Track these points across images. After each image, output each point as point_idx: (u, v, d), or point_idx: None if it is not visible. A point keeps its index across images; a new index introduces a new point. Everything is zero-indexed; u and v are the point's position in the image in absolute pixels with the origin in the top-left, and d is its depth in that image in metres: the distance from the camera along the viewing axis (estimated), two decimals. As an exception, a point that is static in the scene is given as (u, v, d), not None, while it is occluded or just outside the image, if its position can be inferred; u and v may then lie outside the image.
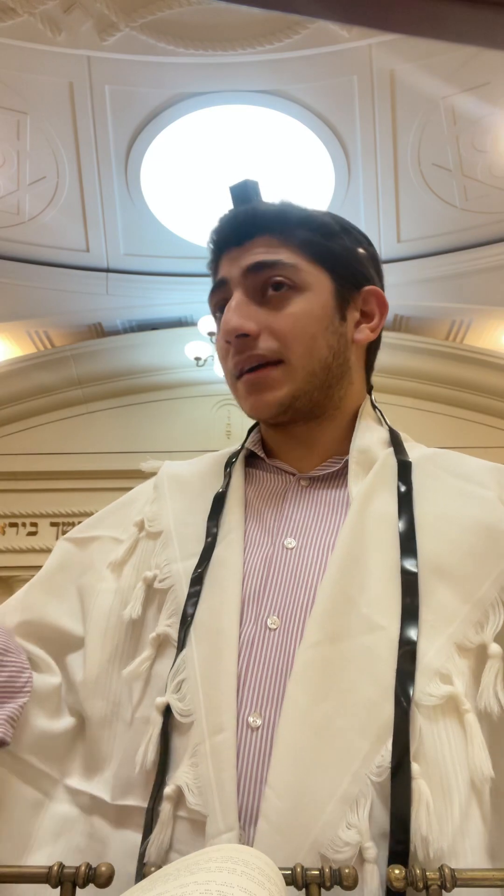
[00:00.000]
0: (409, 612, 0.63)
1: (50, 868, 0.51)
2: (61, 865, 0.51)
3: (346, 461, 0.78)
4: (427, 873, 0.49)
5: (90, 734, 0.69)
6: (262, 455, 0.82)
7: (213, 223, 0.81)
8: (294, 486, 0.78)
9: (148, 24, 3.13)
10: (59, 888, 0.51)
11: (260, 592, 0.68)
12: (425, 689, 0.59)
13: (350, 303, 0.81)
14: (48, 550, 5.70)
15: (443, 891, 0.48)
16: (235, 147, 3.77)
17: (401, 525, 0.69)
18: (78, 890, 0.51)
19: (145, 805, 0.61)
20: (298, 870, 0.49)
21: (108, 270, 4.37)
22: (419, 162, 3.75)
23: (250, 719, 0.61)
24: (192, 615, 0.67)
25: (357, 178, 3.85)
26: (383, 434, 0.82)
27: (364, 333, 0.82)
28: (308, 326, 0.76)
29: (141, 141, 3.69)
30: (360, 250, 0.84)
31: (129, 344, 5.07)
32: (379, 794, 0.56)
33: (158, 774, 0.61)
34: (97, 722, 0.69)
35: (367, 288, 0.82)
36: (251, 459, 0.84)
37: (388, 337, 5.45)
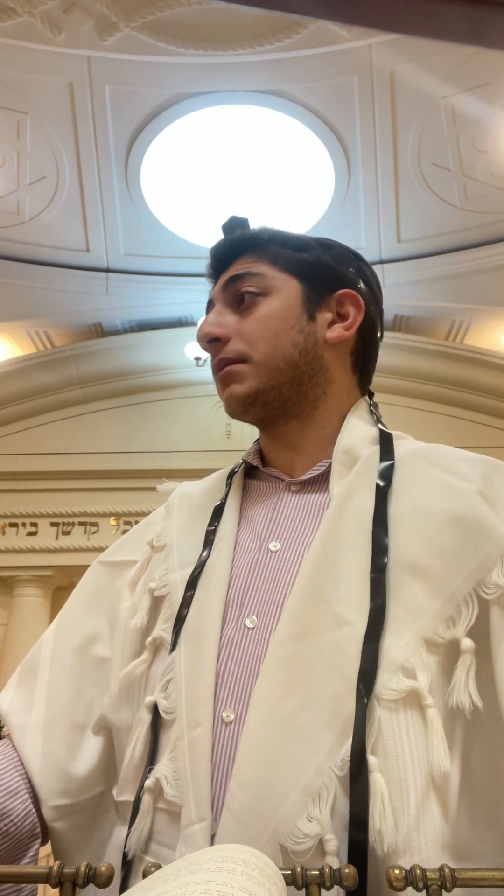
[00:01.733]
0: (377, 608, 0.64)
1: (50, 868, 0.51)
2: (61, 865, 0.51)
3: (331, 463, 0.79)
4: (427, 873, 0.49)
5: (118, 743, 0.73)
6: (258, 464, 0.86)
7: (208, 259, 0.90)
8: (284, 491, 0.81)
9: (148, 24, 3.13)
10: (59, 888, 0.51)
11: (243, 595, 0.72)
12: (387, 683, 0.60)
13: (321, 304, 0.85)
14: (48, 550, 5.69)
15: (443, 891, 0.48)
16: (235, 147, 3.77)
17: (373, 520, 0.70)
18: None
19: (131, 799, 0.65)
20: (298, 870, 0.49)
21: (108, 270, 4.37)
22: (419, 162, 3.75)
23: (224, 714, 0.64)
24: (185, 617, 0.71)
25: (357, 178, 3.85)
26: (370, 432, 0.82)
27: (336, 332, 0.84)
28: (271, 326, 0.81)
29: (141, 141, 3.69)
30: (335, 260, 0.90)
31: (129, 344, 5.07)
32: (342, 787, 0.57)
33: (144, 769, 0.64)
34: (123, 730, 0.72)
35: (342, 291, 0.86)
36: (251, 471, 0.89)
37: (388, 337, 5.45)
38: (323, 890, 0.49)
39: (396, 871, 0.49)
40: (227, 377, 0.81)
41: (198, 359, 4.57)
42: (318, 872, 0.49)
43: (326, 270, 0.87)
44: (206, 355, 4.71)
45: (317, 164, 3.83)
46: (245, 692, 0.65)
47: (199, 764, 0.61)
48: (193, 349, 4.55)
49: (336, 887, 0.49)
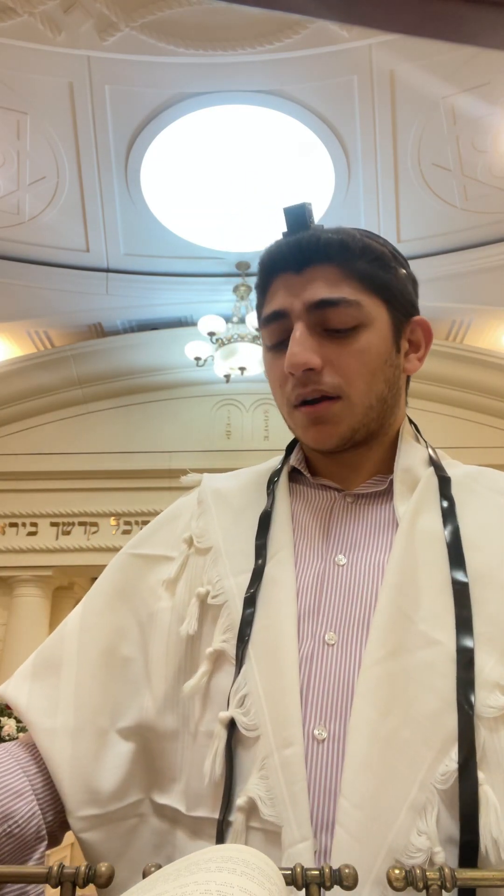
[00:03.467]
0: (464, 624, 0.66)
1: (50, 868, 0.51)
2: (61, 865, 0.51)
3: (391, 480, 0.80)
4: (427, 873, 0.49)
5: (160, 747, 0.72)
6: (307, 473, 0.84)
7: (271, 245, 0.82)
8: (340, 502, 0.80)
9: (148, 24, 3.13)
10: (59, 888, 0.51)
11: (315, 609, 0.71)
12: (486, 700, 0.62)
13: (403, 334, 0.83)
14: (48, 550, 5.70)
15: (443, 891, 0.48)
16: (235, 147, 3.77)
17: (448, 540, 0.72)
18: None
19: (216, 816, 0.63)
20: (298, 870, 0.49)
21: (108, 270, 4.37)
22: (419, 162, 3.75)
23: (316, 732, 0.64)
24: (249, 633, 0.69)
25: (357, 178, 3.85)
26: (424, 453, 0.85)
27: (413, 363, 0.84)
28: (370, 363, 0.78)
29: (141, 141, 3.69)
30: (408, 276, 0.85)
31: (129, 344, 5.07)
32: (444, 801, 0.59)
33: (226, 787, 0.63)
34: (169, 735, 0.71)
35: (416, 318, 0.84)
36: (293, 475, 0.86)
37: (388, 337, 5.38)
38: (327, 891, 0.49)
39: (396, 871, 0.49)
40: (322, 416, 0.76)
41: (198, 359, 4.57)
42: (318, 872, 0.49)
43: (405, 294, 0.83)
44: (206, 355, 4.72)
45: (317, 164, 3.83)
46: (336, 709, 0.65)
47: (296, 783, 0.60)
48: (193, 349, 4.55)
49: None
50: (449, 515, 0.75)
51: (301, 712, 0.64)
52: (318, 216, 4.64)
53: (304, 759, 0.62)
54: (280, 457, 0.91)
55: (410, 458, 0.82)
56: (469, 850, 0.57)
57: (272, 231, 4.48)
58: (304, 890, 0.49)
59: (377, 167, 3.77)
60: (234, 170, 3.88)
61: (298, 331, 0.76)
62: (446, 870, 0.49)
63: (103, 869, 0.50)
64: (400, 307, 0.82)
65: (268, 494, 0.83)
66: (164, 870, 0.44)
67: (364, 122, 3.57)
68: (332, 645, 0.68)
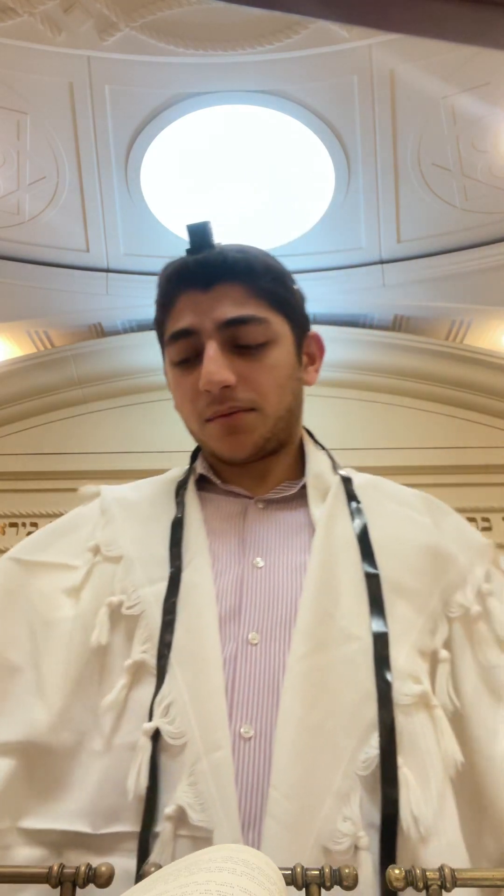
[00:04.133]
0: (379, 624, 0.70)
1: (50, 868, 0.51)
2: (61, 865, 0.51)
3: (302, 485, 0.84)
4: (427, 873, 0.49)
5: (47, 765, 0.67)
6: (217, 480, 0.86)
7: (176, 262, 0.84)
8: (252, 507, 0.83)
9: (148, 24, 3.12)
10: (59, 888, 0.51)
11: (236, 611, 0.72)
12: (401, 689, 0.67)
13: (302, 348, 0.88)
14: (48, 550, 5.67)
15: (443, 891, 0.48)
16: (235, 147, 3.77)
17: (360, 543, 0.77)
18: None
19: (137, 830, 0.62)
20: (298, 870, 0.49)
21: (108, 270, 4.37)
22: (419, 162, 3.75)
23: (242, 730, 0.65)
24: (170, 641, 0.69)
25: (357, 178, 3.85)
26: (328, 459, 0.89)
27: (311, 375, 0.89)
28: (279, 377, 0.82)
29: (141, 141, 3.69)
30: (300, 293, 0.90)
31: (129, 344, 5.07)
32: (365, 787, 0.62)
33: (150, 798, 0.62)
34: (62, 753, 0.67)
35: (311, 332, 0.90)
36: (201, 483, 0.87)
37: (387, 337, 5.40)
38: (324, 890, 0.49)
39: (396, 871, 0.49)
40: (236, 426, 0.79)
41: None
42: (318, 872, 0.49)
43: (301, 310, 0.88)
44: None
45: (317, 164, 3.83)
46: (262, 707, 0.66)
47: (227, 786, 0.61)
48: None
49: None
50: (359, 522, 0.79)
51: (227, 713, 0.65)
52: (318, 216, 4.57)
53: (233, 759, 0.63)
54: (184, 467, 0.93)
55: (319, 465, 0.87)
56: (390, 830, 0.60)
57: (272, 231, 4.43)
58: (304, 890, 0.49)
59: (377, 167, 3.77)
60: (234, 170, 3.88)
61: (212, 349, 0.78)
62: (446, 870, 0.49)
63: (103, 869, 0.51)
64: (299, 323, 0.86)
65: (177, 502, 0.82)
66: (163, 870, 0.44)
67: (364, 122, 3.57)
68: (256, 644, 0.70)
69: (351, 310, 4.66)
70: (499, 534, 4.85)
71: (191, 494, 0.84)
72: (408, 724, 0.66)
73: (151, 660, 0.68)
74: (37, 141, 3.67)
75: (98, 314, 4.72)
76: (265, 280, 0.82)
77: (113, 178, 3.87)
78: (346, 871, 0.49)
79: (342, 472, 0.88)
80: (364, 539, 0.77)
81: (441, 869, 0.49)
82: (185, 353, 0.81)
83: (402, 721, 0.65)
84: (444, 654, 0.74)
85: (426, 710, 0.68)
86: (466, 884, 0.49)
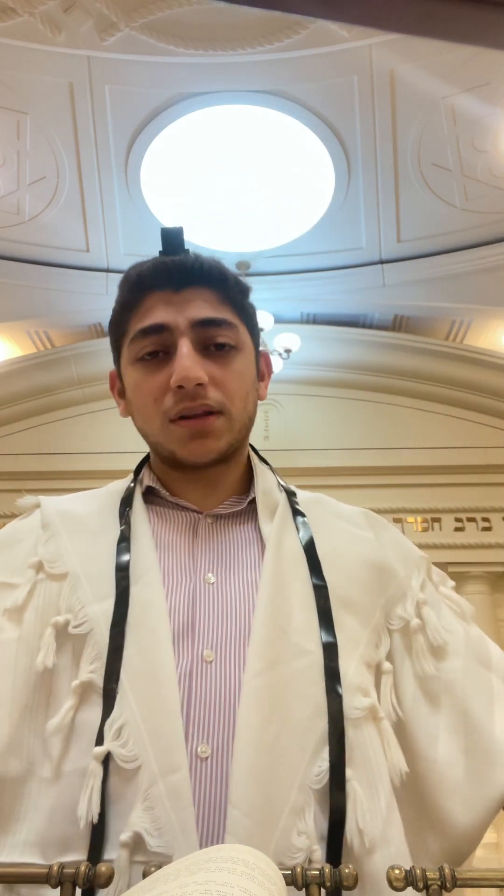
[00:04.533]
0: (328, 639, 0.71)
1: (50, 868, 0.51)
2: (61, 865, 0.51)
3: (250, 500, 0.84)
4: (427, 873, 0.49)
5: None
6: (166, 493, 0.84)
7: (146, 263, 0.84)
8: (202, 522, 0.82)
9: (148, 24, 3.12)
10: (59, 888, 0.51)
11: (189, 628, 0.71)
12: (351, 702, 0.68)
13: (258, 362, 0.88)
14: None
15: (443, 891, 0.48)
16: (235, 147, 3.77)
17: (308, 560, 0.78)
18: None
19: (84, 859, 0.58)
20: (298, 870, 0.49)
21: (108, 270, 4.37)
22: (419, 162, 3.75)
23: (199, 750, 0.64)
24: (120, 660, 0.66)
25: (357, 178, 3.85)
26: (272, 476, 0.89)
27: (263, 391, 0.89)
28: (245, 384, 0.82)
29: (141, 141, 3.69)
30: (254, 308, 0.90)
31: (129, 344, 5.06)
32: (318, 800, 0.63)
33: (99, 825, 0.59)
34: (10, 783, 0.64)
35: (262, 350, 0.91)
36: (147, 496, 0.85)
37: (388, 337, 5.37)
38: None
39: (396, 871, 0.49)
40: (204, 429, 0.78)
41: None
42: (318, 872, 0.49)
43: (257, 325, 0.88)
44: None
45: (317, 164, 3.83)
46: (218, 724, 0.65)
47: (185, 808, 0.60)
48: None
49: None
50: (307, 540, 0.80)
51: (184, 733, 0.63)
52: (318, 216, 4.55)
53: (190, 780, 0.61)
54: (127, 478, 0.90)
55: (267, 481, 0.87)
56: (335, 843, 0.61)
57: (272, 231, 4.43)
58: (304, 890, 0.49)
59: (377, 167, 3.77)
60: (234, 170, 3.88)
61: (185, 346, 0.77)
62: (446, 870, 0.49)
63: (103, 869, 0.50)
64: (256, 338, 0.87)
65: (122, 516, 0.80)
66: (164, 870, 0.44)
67: (364, 122, 3.57)
68: (210, 662, 0.69)
69: (351, 310, 4.66)
70: (499, 534, 4.86)
71: (138, 507, 0.81)
72: (357, 737, 0.67)
73: (99, 680, 0.66)
74: (37, 141, 3.67)
75: (98, 314, 4.72)
76: (234, 290, 0.83)
77: (113, 178, 3.87)
78: (346, 871, 0.49)
79: (286, 487, 0.89)
80: (311, 554, 0.78)
81: (441, 869, 0.49)
82: (153, 347, 0.79)
83: (351, 734, 0.66)
84: (387, 665, 0.75)
85: (374, 723, 0.70)
86: (466, 884, 0.49)
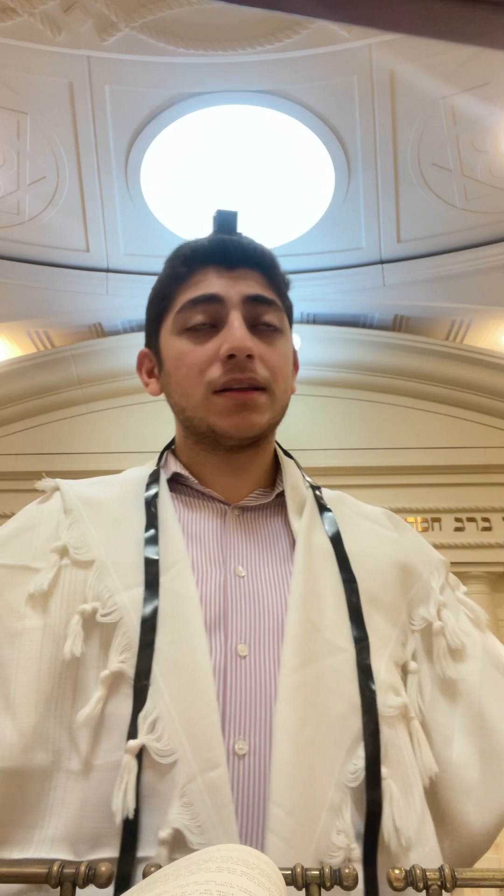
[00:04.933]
0: (361, 636, 0.71)
1: (50, 868, 0.51)
2: (62, 865, 0.51)
3: (277, 494, 0.84)
4: (427, 873, 0.49)
5: (19, 791, 0.62)
6: (195, 481, 0.83)
7: (201, 239, 0.84)
8: (230, 514, 0.81)
9: (148, 24, 3.12)
10: (59, 888, 0.51)
11: (221, 620, 0.70)
12: (384, 701, 0.68)
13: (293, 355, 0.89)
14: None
15: (443, 891, 0.48)
16: (235, 147, 3.76)
17: (337, 557, 0.78)
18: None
19: (117, 856, 0.57)
20: (298, 870, 0.49)
21: (108, 270, 4.37)
22: (419, 162, 3.75)
23: (237, 747, 0.63)
24: (152, 650, 0.65)
25: (357, 178, 3.85)
26: (298, 470, 0.89)
27: (294, 384, 0.90)
28: (286, 367, 0.83)
29: (141, 141, 3.69)
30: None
31: (129, 344, 5.07)
32: (353, 798, 0.62)
33: (133, 821, 0.58)
34: (36, 775, 0.62)
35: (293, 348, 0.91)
36: (171, 484, 0.84)
37: (388, 337, 5.37)
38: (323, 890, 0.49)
39: (396, 872, 0.49)
40: (249, 403, 0.77)
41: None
42: (318, 872, 0.49)
43: (292, 318, 0.89)
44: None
45: (317, 164, 3.83)
46: (255, 721, 0.64)
47: (226, 806, 0.59)
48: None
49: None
50: (336, 537, 0.80)
51: (220, 728, 0.62)
52: (318, 216, 4.56)
53: (228, 777, 0.60)
54: (147, 465, 0.88)
55: (294, 476, 0.86)
56: (371, 841, 0.60)
57: (272, 231, 4.42)
58: (304, 890, 0.49)
59: (377, 167, 3.77)
60: (234, 169, 3.88)
61: (237, 320, 0.78)
62: (447, 870, 0.49)
63: (103, 869, 0.50)
64: (291, 330, 0.88)
65: (148, 503, 0.78)
66: (164, 869, 0.44)
67: (364, 122, 3.56)
68: (245, 657, 0.68)
69: (351, 310, 4.66)
70: (499, 534, 4.86)
71: (164, 495, 0.79)
72: (391, 736, 0.66)
73: (130, 670, 0.64)
74: (37, 141, 3.67)
75: (98, 314, 4.72)
76: (280, 279, 0.85)
77: (113, 178, 3.87)
78: (346, 871, 0.49)
79: (311, 483, 0.89)
80: (340, 550, 0.78)
81: (441, 869, 0.49)
82: (203, 318, 0.79)
83: (385, 732, 0.66)
84: (413, 665, 0.75)
85: (405, 722, 0.70)
86: (466, 884, 0.49)
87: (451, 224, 4.05)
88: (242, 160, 3.82)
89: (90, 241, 4.22)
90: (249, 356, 0.76)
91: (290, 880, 0.48)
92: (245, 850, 0.45)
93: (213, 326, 0.79)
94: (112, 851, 0.58)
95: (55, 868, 0.51)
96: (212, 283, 0.80)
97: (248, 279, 0.81)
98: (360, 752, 0.64)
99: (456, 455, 4.94)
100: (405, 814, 0.62)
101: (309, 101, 3.48)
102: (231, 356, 0.76)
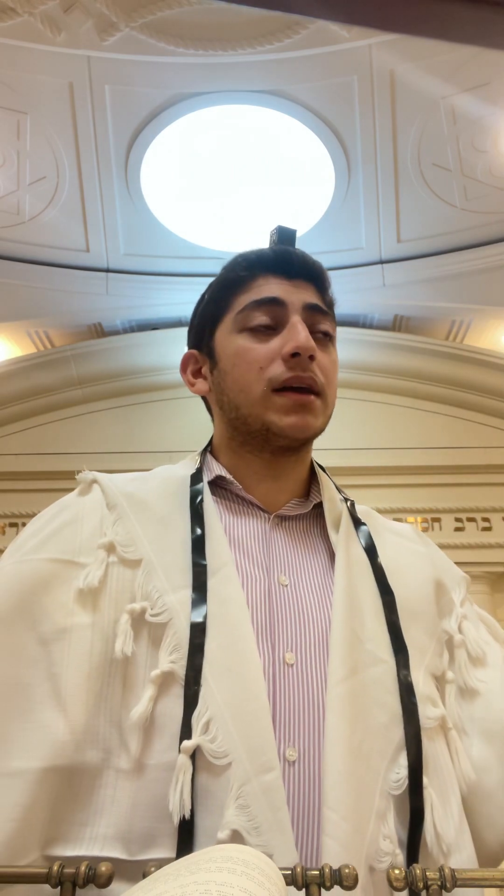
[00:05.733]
0: (400, 648, 0.73)
1: (50, 868, 0.51)
2: (62, 865, 0.51)
3: (314, 505, 0.86)
4: (427, 873, 0.49)
5: (73, 788, 0.62)
6: (239, 487, 0.84)
7: (262, 248, 0.87)
8: (271, 523, 0.83)
9: (148, 24, 3.12)
10: (59, 888, 0.51)
11: (268, 628, 0.71)
12: (424, 712, 0.69)
13: None
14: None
15: (443, 891, 0.48)
16: (235, 147, 3.76)
17: (374, 570, 0.79)
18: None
19: (173, 855, 0.57)
20: (298, 870, 0.49)
21: (108, 270, 4.37)
22: (419, 162, 3.75)
23: (287, 753, 0.65)
24: (202, 652, 0.65)
25: (357, 178, 3.85)
26: (333, 485, 0.92)
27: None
28: (336, 373, 0.86)
29: (141, 141, 3.69)
30: None
31: (129, 344, 5.07)
32: (395, 806, 0.64)
33: (188, 821, 0.58)
34: (88, 773, 0.62)
35: None
36: (212, 486, 0.85)
37: (387, 337, 5.37)
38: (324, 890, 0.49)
39: (396, 871, 0.49)
40: (308, 406, 0.79)
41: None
42: (318, 872, 0.49)
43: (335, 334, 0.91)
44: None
45: (317, 164, 3.83)
46: (304, 729, 0.66)
47: (280, 809, 0.60)
48: (193, 349, 4.55)
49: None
50: (371, 552, 0.81)
51: (274, 735, 0.63)
52: (318, 216, 4.57)
53: (284, 784, 0.61)
54: (183, 464, 0.89)
55: (331, 490, 0.89)
56: (413, 847, 0.62)
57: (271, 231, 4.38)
58: (304, 890, 0.49)
59: (377, 167, 3.77)
60: (234, 169, 3.88)
61: (299, 322, 0.81)
62: (446, 870, 0.49)
63: (103, 869, 0.50)
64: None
65: (193, 505, 0.78)
66: (164, 869, 0.44)
67: (364, 121, 3.56)
68: (292, 665, 0.69)
69: (351, 310, 4.66)
70: (499, 534, 4.86)
71: (208, 498, 0.80)
72: (431, 746, 0.68)
73: (181, 671, 0.64)
74: (37, 141, 3.67)
75: (98, 314, 4.71)
76: (331, 297, 0.89)
77: (113, 178, 3.87)
78: (346, 871, 0.49)
79: (346, 497, 0.91)
80: (376, 564, 0.80)
81: (441, 869, 0.49)
82: (269, 319, 0.81)
83: (426, 743, 0.68)
84: (450, 675, 0.77)
85: (443, 732, 0.72)
86: (466, 884, 0.49)
87: (451, 224, 4.05)
88: (242, 160, 3.82)
89: (90, 241, 4.22)
90: (311, 357, 0.79)
91: (290, 880, 0.48)
92: (245, 850, 0.45)
93: (274, 329, 0.81)
94: (166, 851, 0.58)
95: (55, 868, 0.51)
96: (272, 287, 0.83)
97: (306, 289, 0.84)
98: (403, 761, 0.65)
99: (456, 455, 4.94)
100: (444, 821, 0.65)
101: (309, 101, 3.48)
102: (295, 354, 0.78)
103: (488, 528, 4.84)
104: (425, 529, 4.81)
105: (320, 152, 3.75)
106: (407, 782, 0.64)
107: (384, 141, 3.64)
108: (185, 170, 3.88)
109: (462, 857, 0.65)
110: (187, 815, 0.58)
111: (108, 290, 4.42)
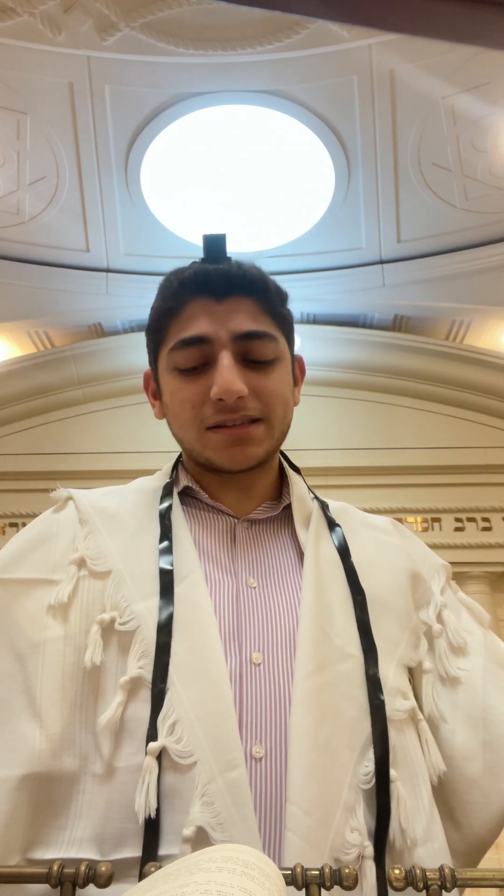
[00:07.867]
0: (367, 640, 0.74)
1: (50, 868, 0.51)
2: (61, 865, 0.51)
3: (284, 507, 0.86)
4: (427, 873, 0.49)
5: (50, 794, 0.64)
6: (205, 496, 0.85)
7: (188, 269, 0.83)
8: (239, 527, 0.83)
9: (148, 24, 3.12)
10: (59, 888, 0.51)
11: (235, 629, 0.73)
12: (393, 705, 0.70)
13: (294, 368, 0.90)
14: (48, 550, 5.73)
15: (443, 891, 0.48)
16: (235, 146, 3.76)
17: (345, 566, 0.80)
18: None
19: (139, 854, 0.60)
20: (298, 870, 0.49)
21: (108, 270, 4.37)
22: (419, 162, 3.75)
23: (254, 750, 0.65)
24: (169, 656, 0.67)
25: (357, 178, 3.85)
26: (302, 483, 0.91)
27: (297, 396, 0.91)
28: (284, 393, 0.83)
29: (141, 141, 3.69)
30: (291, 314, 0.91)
31: (129, 344, 5.07)
32: (365, 799, 0.65)
33: (154, 820, 0.60)
34: (65, 779, 0.65)
35: (297, 356, 0.92)
36: (182, 497, 0.86)
37: (388, 337, 5.37)
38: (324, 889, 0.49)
39: (396, 871, 0.49)
40: (244, 438, 0.79)
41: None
42: (318, 872, 0.49)
43: (292, 332, 0.90)
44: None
45: (317, 164, 3.83)
46: (271, 726, 0.67)
47: (245, 805, 0.61)
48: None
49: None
50: (342, 548, 0.82)
51: (239, 733, 0.65)
52: (318, 216, 4.55)
53: (249, 781, 0.63)
54: (156, 476, 0.91)
55: (300, 488, 0.88)
56: (381, 840, 0.63)
57: (272, 231, 4.42)
58: (304, 890, 0.49)
59: (377, 167, 3.77)
60: (234, 169, 3.88)
61: (226, 359, 0.77)
62: (446, 870, 0.49)
63: (103, 869, 0.50)
64: (292, 344, 0.89)
65: (162, 516, 0.80)
66: (164, 869, 0.44)
67: (364, 122, 3.56)
68: (259, 664, 0.70)
69: (351, 310, 4.66)
70: (499, 534, 4.86)
71: (177, 509, 0.82)
72: (399, 739, 0.69)
73: (148, 675, 0.66)
74: (37, 141, 3.67)
75: (98, 314, 4.71)
76: (275, 299, 0.84)
77: (113, 178, 3.87)
78: (346, 871, 0.49)
79: (317, 497, 0.91)
80: (347, 561, 0.80)
81: (441, 869, 0.49)
82: (194, 360, 0.79)
83: (393, 736, 0.69)
84: (428, 664, 0.78)
85: (413, 724, 0.73)
86: (466, 884, 0.50)
87: (451, 224, 4.05)
88: (242, 160, 3.82)
89: (90, 241, 4.22)
90: (240, 397, 0.77)
91: (290, 880, 0.48)
92: (245, 850, 0.45)
93: (206, 364, 0.79)
94: (135, 851, 0.60)
95: (55, 868, 0.51)
96: (199, 321, 0.79)
97: (238, 311, 0.79)
98: (371, 755, 0.66)
99: (456, 455, 4.94)
100: (412, 814, 0.65)
101: (309, 101, 3.48)
102: (220, 399, 0.77)
103: (488, 528, 4.84)
104: (425, 529, 4.82)
105: (320, 152, 3.75)
106: (374, 778, 0.65)
107: (384, 141, 3.64)
108: (185, 170, 3.88)
109: (433, 848, 0.65)
110: (153, 815, 0.60)
111: (108, 289, 4.42)
